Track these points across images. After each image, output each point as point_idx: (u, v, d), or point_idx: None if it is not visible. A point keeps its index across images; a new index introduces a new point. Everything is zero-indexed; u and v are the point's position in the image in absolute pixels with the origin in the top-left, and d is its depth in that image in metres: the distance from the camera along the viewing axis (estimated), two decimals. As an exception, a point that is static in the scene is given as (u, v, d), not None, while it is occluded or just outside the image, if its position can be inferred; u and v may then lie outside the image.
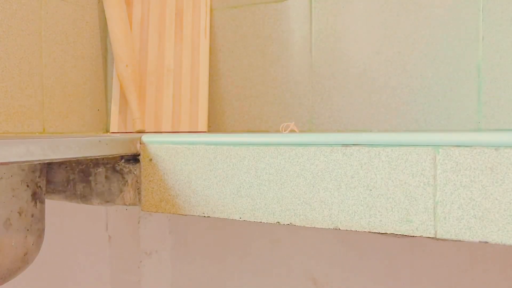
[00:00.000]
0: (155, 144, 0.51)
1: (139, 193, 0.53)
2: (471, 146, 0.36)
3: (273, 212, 0.45)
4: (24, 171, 0.54)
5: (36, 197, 0.56)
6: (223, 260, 0.90)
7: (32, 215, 0.56)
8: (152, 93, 0.83)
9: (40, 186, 0.57)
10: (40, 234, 0.57)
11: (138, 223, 0.98)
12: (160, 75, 0.83)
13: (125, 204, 0.54)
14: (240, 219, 0.46)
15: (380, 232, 0.40)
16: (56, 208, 0.80)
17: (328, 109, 0.76)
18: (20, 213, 0.54)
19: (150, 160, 0.51)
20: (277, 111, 0.80)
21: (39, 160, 0.42)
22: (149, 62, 0.84)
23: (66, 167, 0.58)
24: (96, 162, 0.55)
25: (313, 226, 0.43)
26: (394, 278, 0.76)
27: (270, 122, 0.81)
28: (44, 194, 0.59)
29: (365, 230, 0.41)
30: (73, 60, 0.84)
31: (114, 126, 0.84)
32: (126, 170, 0.54)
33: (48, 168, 0.59)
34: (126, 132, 0.83)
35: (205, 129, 0.81)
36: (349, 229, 0.41)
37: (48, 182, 0.59)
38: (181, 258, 0.94)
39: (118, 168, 0.54)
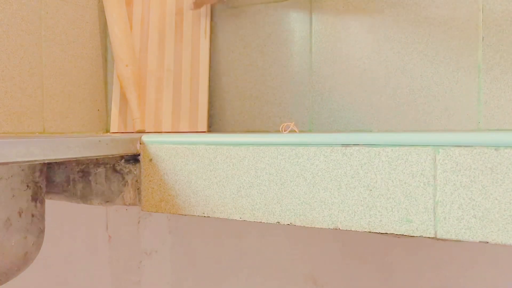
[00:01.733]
0: (155, 144, 0.51)
1: (139, 193, 0.53)
2: (471, 146, 0.36)
3: (273, 212, 0.45)
4: (24, 171, 0.54)
5: (36, 197, 0.56)
6: (223, 260, 0.90)
7: (32, 215, 0.56)
8: (152, 93, 0.83)
9: (40, 186, 0.57)
10: (40, 234, 0.57)
11: (138, 223, 0.98)
12: (160, 75, 0.83)
13: (125, 204, 0.54)
14: (240, 219, 0.46)
15: (380, 232, 0.40)
16: (56, 208, 0.80)
17: (328, 109, 0.76)
18: (20, 213, 0.54)
19: (150, 160, 0.51)
20: (277, 111, 0.80)
21: (39, 160, 0.42)
22: (149, 62, 0.84)
23: (66, 167, 0.58)
24: (96, 162, 0.55)
25: (313, 226, 0.43)
26: (394, 278, 0.76)
27: (270, 122, 0.81)
28: (44, 194, 0.59)
29: (365, 230, 0.41)
30: (73, 60, 0.84)
31: (114, 126, 0.84)
32: (126, 170, 0.54)
33: (48, 168, 0.59)
34: (126, 132, 0.83)
35: (205, 129, 0.81)
36: (349, 229, 0.41)
37: (48, 182, 0.59)
38: (181, 258, 0.94)
39: (118, 168, 0.54)
